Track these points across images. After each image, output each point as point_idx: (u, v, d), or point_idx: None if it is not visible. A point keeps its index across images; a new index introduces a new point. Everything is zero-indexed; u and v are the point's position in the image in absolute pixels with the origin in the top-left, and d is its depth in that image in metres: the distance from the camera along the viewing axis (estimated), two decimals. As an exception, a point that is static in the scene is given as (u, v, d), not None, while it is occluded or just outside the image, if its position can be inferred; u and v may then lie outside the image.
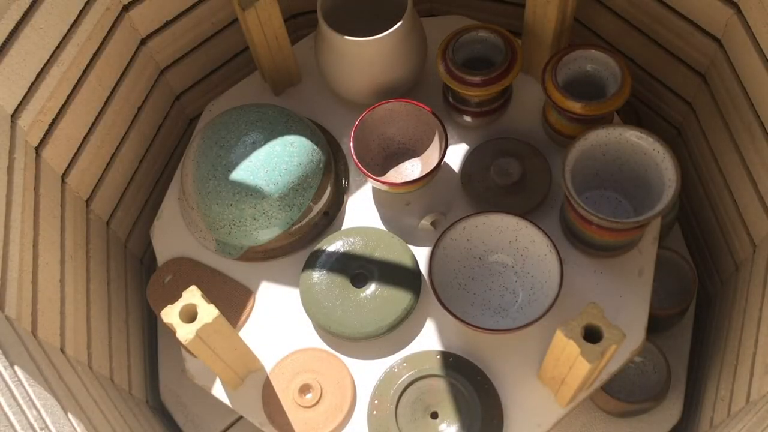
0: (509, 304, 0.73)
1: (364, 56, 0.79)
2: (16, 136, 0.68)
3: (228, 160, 0.78)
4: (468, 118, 0.82)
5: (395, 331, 0.75)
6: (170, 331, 0.62)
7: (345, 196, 0.84)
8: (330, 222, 0.82)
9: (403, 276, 0.75)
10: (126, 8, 0.80)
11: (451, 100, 0.82)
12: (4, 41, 0.65)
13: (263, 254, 0.81)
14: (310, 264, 0.77)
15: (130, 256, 0.94)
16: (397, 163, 0.82)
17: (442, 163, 0.78)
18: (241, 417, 0.89)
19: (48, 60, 0.70)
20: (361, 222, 0.82)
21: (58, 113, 0.74)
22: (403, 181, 0.80)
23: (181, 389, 0.91)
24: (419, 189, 0.79)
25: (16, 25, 0.65)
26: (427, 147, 0.81)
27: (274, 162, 0.77)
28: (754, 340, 0.72)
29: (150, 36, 0.85)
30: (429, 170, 0.76)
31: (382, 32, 0.77)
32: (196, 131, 0.88)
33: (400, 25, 0.77)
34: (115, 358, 0.83)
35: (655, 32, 0.84)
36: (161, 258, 0.83)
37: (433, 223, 0.79)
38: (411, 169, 0.82)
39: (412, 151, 0.82)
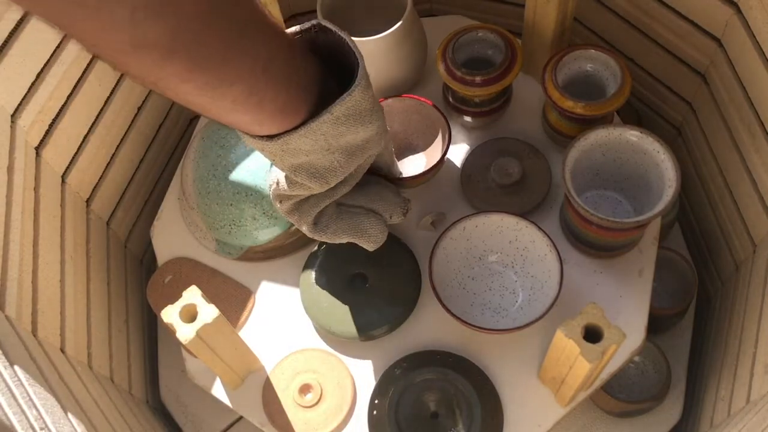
0: (509, 304, 0.73)
1: (364, 56, 0.79)
2: (16, 136, 0.68)
3: (228, 160, 0.78)
4: (468, 118, 0.82)
5: (395, 331, 0.75)
6: (170, 331, 0.62)
7: (345, 196, 0.84)
8: (330, 222, 0.82)
9: (403, 276, 0.75)
10: (126, 8, 0.80)
11: (451, 100, 0.82)
12: (4, 41, 0.65)
13: (263, 254, 0.81)
14: (310, 264, 0.77)
15: (130, 256, 0.94)
16: (399, 160, 0.82)
17: (445, 158, 0.77)
18: (241, 417, 0.89)
19: (48, 60, 0.70)
20: (361, 222, 0.82)
21: (58, 113, 0.74)
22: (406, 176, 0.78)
23: (181, 389, 0.91)
24: (421, 186, 0.78)
25: (16, 25, 0.65)
26: (429, 143, 0.80)
27: (274, 162, 0.77)
28: (754, 340, 0.73)
29: (150, 36, 0.85)
30: (432, 165, 0.75)
31: (382, 32, 0.77)
32: (196, 131, 0.88)
33: (400, 25, 0.77)
34: (115, 358, 0.83)
35: (655, 32, 0.84)
36: (161, 258, 0.83)
37: (433, 223, 0.79)
38: (414, 166, 0.81)
39: (414, 147, 0.82)
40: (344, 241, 0.65)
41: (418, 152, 0.82)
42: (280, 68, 0.46)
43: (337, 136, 0.53)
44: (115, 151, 0.86)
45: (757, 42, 0.69)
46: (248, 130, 0.51)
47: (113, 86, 0.82)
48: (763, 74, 0.69)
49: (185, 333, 0.60)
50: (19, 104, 0.68)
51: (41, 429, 0.55)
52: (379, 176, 0.70)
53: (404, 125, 0.81)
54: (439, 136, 0.78)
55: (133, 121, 0.88)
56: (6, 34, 0.65)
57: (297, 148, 0.52)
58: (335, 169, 0.56)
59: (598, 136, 0.70)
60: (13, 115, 0.68)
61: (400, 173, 0.72)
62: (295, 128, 0.51)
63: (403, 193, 0.79)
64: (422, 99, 0.78)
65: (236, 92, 0.43)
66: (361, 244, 0.67)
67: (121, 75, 0.83)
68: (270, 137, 0.51)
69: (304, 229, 0.63)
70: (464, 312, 0.70)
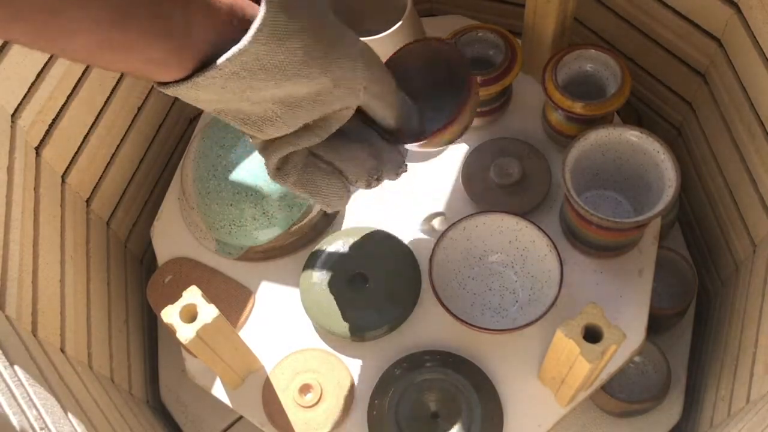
0: (509, 304, 0.73)
1: (364, 56, 0.79)
2: (16, 136, 0.68)
3: (228, 160, 0.78)
4: (468, 118, 0.82)
5: (395, 331, 0.75)
6: (170, 331, 0.62)
7: (345, 196, 0.83)
8: (330, 222, 0.82)
9: (403, 276, 0.75)
10: (126, 8, 0.80)
11: (451, 100, 0.82)
12: (5, 41, 0.65)
13: (263, 254, 0.81)
14: (310, 264, 0.77)
15: (130, 256, 0.94)
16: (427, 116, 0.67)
17: (461, 119, 0.62)
18: (241, 417, 0.89)
19: (48, 60, 0.70)
20: (361, 222, 0.82)
21: (58, 113, 0.74)
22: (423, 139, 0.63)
23: (181, 389, 0.91)
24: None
25: (16, 25, 0.65)
26: (456, 96, 0.64)
27: (274, 162, 0.77)
28: (754, 340, 0.72)
29: (150, 36, 0.85)
30: (442, 126, 0.61)
31: (382, 32, 0.77)
32: (196, 131, 0.88)
33: (400, 25, 0.77)
34: (115, 358, 0.83)
35: (655, 32, 0.84)
36: (161, 258, 0.83)
37: (433, 224, 0.79)
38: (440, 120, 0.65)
39: (441, 102, 0.67)
40: (303, 195, 0.59)
41: (445, 109, 0.66)
42: (144, 21, 0.39)
43: (251, 89, 0.46)
44: (115, 151, 0.86)
45: (757, 42, 0.69)
46: (134, 76, 0.44)
47: (113, 86, 0.82)
48: (763, 74, 0.69)
49: (185, 333, 0.60)
50: (19, 104, 0.68)
51: (41, 429, 0.55)
52: (381, 132, 0.60)
53: (432, 73, 0.67)
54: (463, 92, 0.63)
55: (133, 121, 0.88)
56: (6, 34, 0.65)
57: (197, 98, 0.46)
58: (272, 119, 0.50)
59: (598, 136, 0.70)
60: (13, 115, 0.68)
61: (414, 129, 0.61)
62: (184, 80, 0.44)
63: (411, 152, 0.66)
64: (432, 38, 0.66)
65: (81, 43, 0.38)
66: (316, 203, 0.60)
67: (122, 75, 0.83)
68: (161, 84, 0.45)
69: (268, 171, 0.57)
70: (464, 312, 0.70)
